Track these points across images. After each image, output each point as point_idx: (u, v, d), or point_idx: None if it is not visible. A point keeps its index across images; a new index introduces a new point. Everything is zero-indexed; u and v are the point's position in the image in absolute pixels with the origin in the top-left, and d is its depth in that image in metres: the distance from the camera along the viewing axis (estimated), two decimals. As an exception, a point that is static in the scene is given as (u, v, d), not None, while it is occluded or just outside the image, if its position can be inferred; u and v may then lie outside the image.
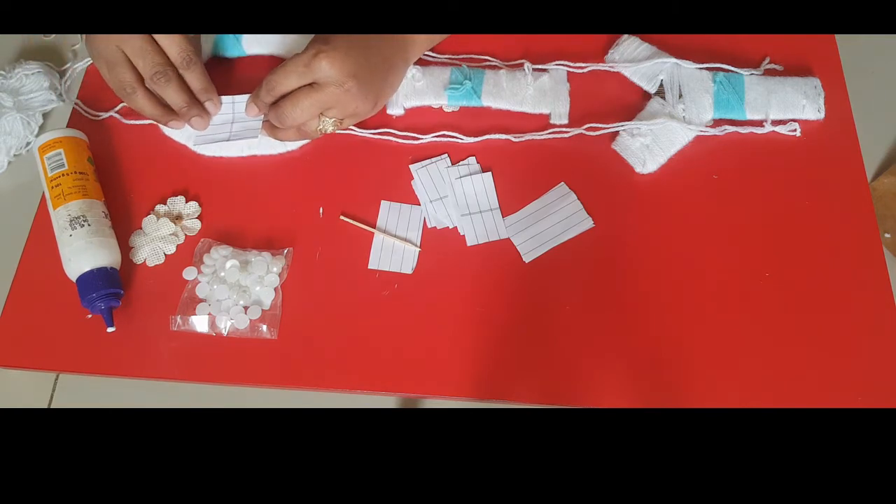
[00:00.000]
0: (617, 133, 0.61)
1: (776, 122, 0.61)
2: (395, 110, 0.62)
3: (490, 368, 0.53)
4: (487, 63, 0.64)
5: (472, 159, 0.60)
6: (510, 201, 0.59)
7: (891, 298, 0.55)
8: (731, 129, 0.61)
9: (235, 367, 0.53)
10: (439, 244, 0.57)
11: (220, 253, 0.56)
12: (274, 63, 0.58)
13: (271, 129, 0.59)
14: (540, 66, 0.63)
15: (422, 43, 0.61)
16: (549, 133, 0.61)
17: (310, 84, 0.54)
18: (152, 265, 0.57)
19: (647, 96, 0.62)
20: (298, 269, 0.56)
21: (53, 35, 0.94)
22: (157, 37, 0.56)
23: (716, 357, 0.53)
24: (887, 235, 1.12)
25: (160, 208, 0.59)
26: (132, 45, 0.55)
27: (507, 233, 0.57)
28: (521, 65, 0.62)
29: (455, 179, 0.59)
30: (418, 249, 0.57)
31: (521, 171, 0.60)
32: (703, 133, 0.60)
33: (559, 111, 0.61)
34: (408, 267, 0.56)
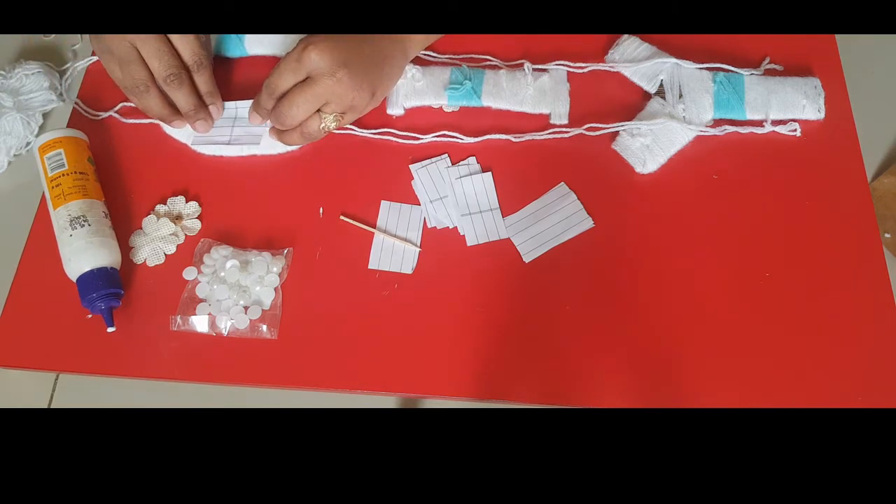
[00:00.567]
0: (617, 133, 0.61)
1: (776, 122, 0.61)
2: (395, 110, 0.62)
3: (490, 368, 0.53)
4: (487, 63, 0.64)
5: (472, 159, 0.60)
6: (510, 201, 0.59)
7: (891, 298, 0.55)
8: (731, 129, 0.61)
9: (235, 367, 0.53)
10: (439, 244, 0.57)
11: (220, 253, 0.56)
12: (276, 63, 0.58)
13: (278, 133, 0.59)
14: (540, 66, 0.63)
15: (420, 37, 0.60)
16: (549, 133, 0.61)
17: (304, 80, 0.54)
18: (152, 265, 0.57)
19: (647, 96, 0.62)
20: (298, 269, 0.56)
21: (53, 35, 0.94)
22: (172, 38, 0.57)
23: (716, 357, 0.53)
24: (887, 235, 1.12)
25: (160, 208, 0.59)
26: (149, 45, 0.56)
27: (507, 233, 0.57)
28: (521, 65, 0.62)
29: (455, 179, 0.59)
30: (418, 249, 0.57)
31: (521, 171, 0.60)
32: (703, 133, 0.60)
33: (559, 111, 0.61)
34: (408, 267, 0.56)
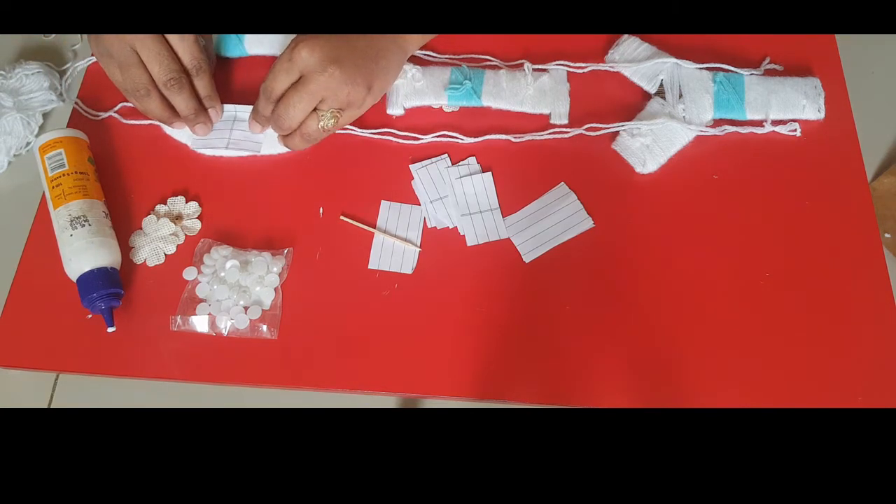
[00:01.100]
0: (617, 133, 0.61)
1: (776, 122, 0.61)
2: (395, 110, 0.62)
3: (490, 368, 0.53)
4: (487, 63, 0.64)
5: (472, 159, 0.60)
6: (510, 201, 0.59)
7: (891, 298, 0.55)
8: (731, 129, 0.61)
9: (235, 367, 0.53)
10: (439, 244, 0.57)
11: (220, 253, 0.56)
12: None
13: (282, 139, 0.59)
14: (540, 66, 0.63)
15: (417, 34, 0.60)
16: (549, 133, 0.61)
17: (298, 80, 0.54)
18: (152, 265, 0.57)
19: (647, 96, 0.62)
20: (298, 269, 0.56)
21: (53, 35, 0.94)
22: (172, 41, 0.57)
23: (716, 357, 0.53)
24: (887, 235, 1.12)
25: (160, 208, 0.59)
26: (149, 48, 0.56)
27: (508, 233, 0.57)
28: (521, 65, 0.62)
29: (455, 179, 0.59)
30: (418, 249, 0.57)
31: (521, 171, 0.60)
32: (703, 133, 0.60)
33: (559, 111, 0.61)
34: (408, 267, 0.56)
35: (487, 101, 0.61)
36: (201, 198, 0.59)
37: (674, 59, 0.62)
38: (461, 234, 0.58)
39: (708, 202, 0.59)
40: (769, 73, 0.63)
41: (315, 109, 0.56)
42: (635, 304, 0.55)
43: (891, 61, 1.24)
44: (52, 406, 1.00)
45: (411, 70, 0.61)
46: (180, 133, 0.62)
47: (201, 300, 0.55)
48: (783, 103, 0.61)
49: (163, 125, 0.61)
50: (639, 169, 0.59)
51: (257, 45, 0.65)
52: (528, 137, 0.61)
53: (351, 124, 0.61)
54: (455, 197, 0.59)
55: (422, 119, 0.62)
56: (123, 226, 0.58)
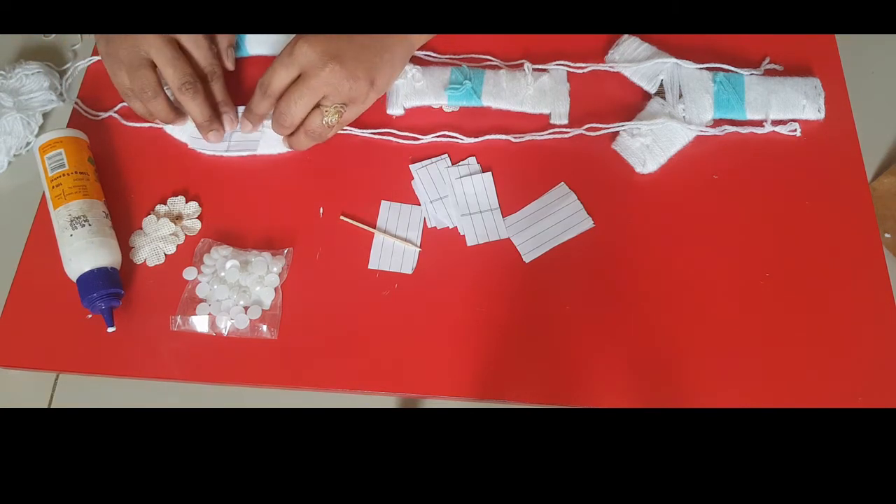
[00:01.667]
0: (617, 133, 0.61)
1: (776, 122, 0.61)
2: (395, 110, 0.62)
3: (490, 368, 0.53)
4: (487, 63, 0.64)
5: (472, 159, 0.60)
6: (510, 201, 0.59)
7: (891, 298, 0.55)
8: (731, 129, 0.61)
9: (235, 367, 0.53)
10: (439, 244, 0.57)
11: (220, 253, 0.56)
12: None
13: (287, 139, 0.59)
14: (540, 66, 0.63)
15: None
16: (549, 133, 0.61)
17: (298, 77, 0.54)
18: (152, 265, 0.57)
19: (647, 96, 0.62)
20: (298, 269, 0.56)
21: (53, 35, 0.94)
22: (186, 46, 0.56)
23: (716, 357, 0.53)
24: (887, 235, 1.12)
25: (160, 208, 0.59)
26: (164, 53, 0.55)
27: (508, 233, 0.57)
28: (521, 65, 0.62)
29: (455, 179, 0.59)
30: (418, 249, 0.57)
31: (521, 171, 0.60)
32: (703, 133, 0.60)
33: (559, 111, 0.61)
34: (408, 267, 0.56)
35: (487, 101, 0.61)
36: (201, 198, 0.59)
37: (674, 59, 0.62)
38: (461, 234, 0.58)
39: (708, 202, 0.59)
40: (769, 73, 0.63)
41: (317, 106, 0.55)
42: (635, 304, 0.55)
43: (891, 61, 1.24)
44: (52, 406, 1.00)
45: (411, 70, 0.61)
46: (180, 131, 0.61)
47: (201, 300, 0.55)
48: (783, 103, 0.61)
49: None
50: (639, 169, 0.59)
51: (257, 45, 0.65)
52: (528, 137, 0.61)
53: (351, 124, 0.61)
54: (455, 197, 0.59)
55: (422, 119, 0.62)
56: (123, 226, 0.58)
